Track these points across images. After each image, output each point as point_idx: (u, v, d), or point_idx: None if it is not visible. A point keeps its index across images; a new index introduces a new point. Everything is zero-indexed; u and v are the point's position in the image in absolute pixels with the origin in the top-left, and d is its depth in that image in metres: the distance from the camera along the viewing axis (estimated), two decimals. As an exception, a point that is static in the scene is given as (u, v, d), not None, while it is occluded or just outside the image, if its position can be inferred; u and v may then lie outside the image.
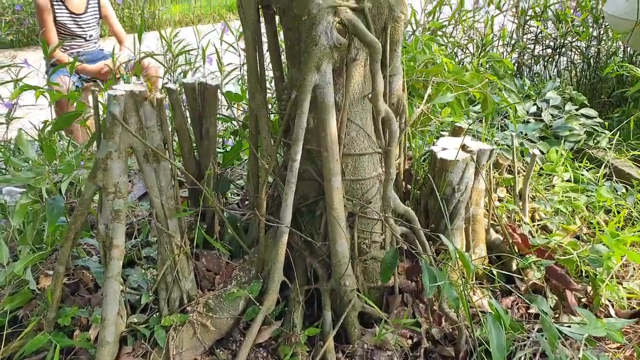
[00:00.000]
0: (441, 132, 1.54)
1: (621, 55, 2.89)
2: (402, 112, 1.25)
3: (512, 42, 2.99)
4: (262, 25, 1.19)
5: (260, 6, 1.14)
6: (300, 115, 1.05)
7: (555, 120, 1.92)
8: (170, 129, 1.20)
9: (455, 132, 1.38)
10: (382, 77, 1.05)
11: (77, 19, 2.83)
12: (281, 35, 1.36)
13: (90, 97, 2.73)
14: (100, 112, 1.18)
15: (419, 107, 1.36)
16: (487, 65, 2.37)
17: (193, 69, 2.84)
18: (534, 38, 3.01)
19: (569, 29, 2.78)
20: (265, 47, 1.23)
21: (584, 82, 2.88)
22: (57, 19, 2.76)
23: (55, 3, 2.75)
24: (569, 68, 2.99)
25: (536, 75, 3.03)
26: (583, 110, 1.96)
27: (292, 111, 1.10)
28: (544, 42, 2.98)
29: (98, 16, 2.93)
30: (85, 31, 2.87)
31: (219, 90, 1.26)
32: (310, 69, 1.02)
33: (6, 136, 2.24)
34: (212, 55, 2.71)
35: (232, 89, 2.06)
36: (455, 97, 1.37)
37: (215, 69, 2.75)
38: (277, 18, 1.22)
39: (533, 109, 2.00)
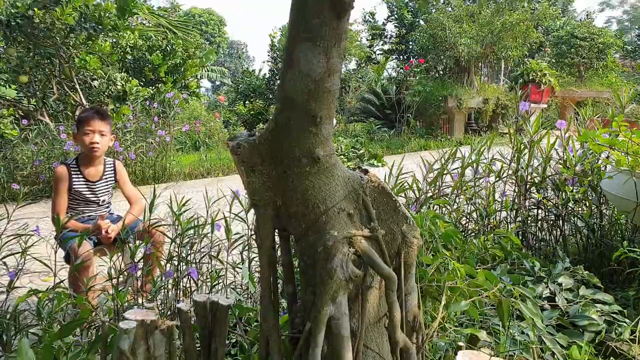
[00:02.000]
0: (458, 344, 1.49)
1: (624, 221, 2.94)
2: (418, 329, 1.21)
3: (515, 208, 3.07)
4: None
5: (276, 229, 1.17)
6: (314, 349, 1.01)
7: (570, 305, 1.87)
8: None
9: (472, 341, 1.33)
10: (398, 307, 1.04)
11: (92, 186, 2.91)
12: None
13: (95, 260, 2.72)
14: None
15: (433, 315, 1.32)
16: (494, 241, 2.40)
17: (200, 238, 2.86)
18: (536, 204, 3.10)
19: (569, 198, 2.86)
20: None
21: (591, 248, 2.88)
22: (74, 187, 2.84)
23: (73, 172, 2.85)
24: (574, 233, 3.02)
25: (542, 241, 3.06)
26: (599, 296, 1.91)
27: (305, 342, 1.06)
28: (546, 207, 3.05)
29: (113, 182, 3.02)
30: (98, 197, 2.94)
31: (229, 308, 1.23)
32: (326, 301, 1.01)
33: (5, 305, 2.18)
34: (220, 220, 2.75)
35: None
36: (471, 302, 1.35)
37: (223, 237, 2.77)
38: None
39: (546, 292, 1.96)
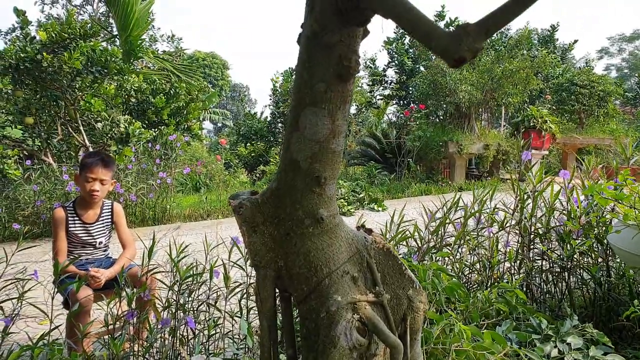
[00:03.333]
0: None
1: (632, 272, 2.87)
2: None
3: (519, 259, 3.01)
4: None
5: (277, 290, 1.13)
6: None
7: (582, 367, 1.78)
8: None
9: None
10: (405, 378, 0.98)
11: (89, 228, 2.88)
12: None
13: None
14: None
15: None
16: (499, 295, 2.33)
17: (198, 285, 2.79)
18: (540, 255, 3.04)
19: (574, 251, 2.81)
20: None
21: (598, 302, 2.81)
22: (69, 229, 2.81)
23: (69, 215, 2.83)
24: (580, 286, 2.95)
25: (547, 294, 2.98)
26: (610, 358, 1.84)
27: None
28: (550, 259, 2.99)
29: (109, 224, 2.98)
30: (95, 239, 2.90)
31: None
32: (328, 372, 0.95)
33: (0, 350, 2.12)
34: (219, 267, 2.69)
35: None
36: (479, 368, 1.28)
37: (222, 285, 2.70)
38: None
39: (554, 352, 1.88)
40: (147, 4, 9.78)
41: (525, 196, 3.08)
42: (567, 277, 2.92)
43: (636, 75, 25.12)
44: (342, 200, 7.94)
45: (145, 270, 2.51)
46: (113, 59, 6.88)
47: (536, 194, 3.02)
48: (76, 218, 2.85)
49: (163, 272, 2.72)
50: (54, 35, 6.38)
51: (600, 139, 11.83)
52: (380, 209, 8.01)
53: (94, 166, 2.80)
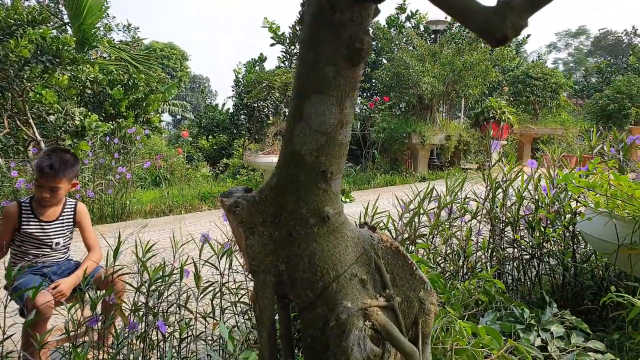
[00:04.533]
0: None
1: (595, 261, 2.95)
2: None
3: (491, 248, 3.04)
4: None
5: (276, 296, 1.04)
6: None
7: (564, 354, 1.80)
8: None
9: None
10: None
11: (45, 227, 2.65)
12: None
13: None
14: None
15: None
16: (477, 285, 2.34)
17: (167, 286, 2.67)
18: (510, 243, 3.08)
19: (547, 238, 2.87)
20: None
21: (565, 287, 2.88)
22: (22, 227, 2.59)
23: (24, 211, 2.62)
24: (549, 273, 3.01)
25: (517, 281, 3.03)
26: (590, 344, 1.86)
27: None
28: (521, 247, 3.04)
29: (71, 224, 2.76)
30: (51, 239, 2.67)
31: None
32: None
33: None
34: (189, 265, 2.57)
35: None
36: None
37: (193, 285, 2.59)
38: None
39: (538, 341, 1.90)
40: (100, -9, 9.34)
41: (496, 185, 3.11)
42: (537, 264, 2.98)
43: (582, 69, 26.27)
44: (309, 192, 7.88)
45: (111, 272, 2.37)
46: (65, 47, 6.52)
47: (507, 183, 3.05)
48: (31, 215, 2.63)
49: (129, 273, 2.57)
50: (-1, 21, 5.98)
51: (553, 129, 12.27)
52: (348, 200, 8.00)
53: (42, 173, 2.56)
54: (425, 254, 2.86)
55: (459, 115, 14.57)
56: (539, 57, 21.15)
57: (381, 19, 14.96)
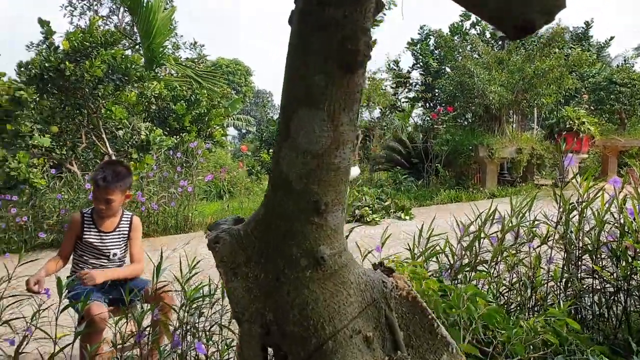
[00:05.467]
0: None
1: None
2: None
3: (565, 278, 2.68)
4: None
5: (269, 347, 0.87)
6: None
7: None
8: None
9: None
10: None
11: (104, 237, 2.77)
12: None
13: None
14: None
15: None
16: (546, 322, 2.03)
17: (211, 305, 2.59)
18: (590, 273, 2.71)
19: (632, 271, 2.48)
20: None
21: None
22: (84, 236, 2.72)
23: (86, 222, 2.75)
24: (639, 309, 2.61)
25: (600, 317, 2.64)
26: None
27: None
28: (602, 279, 2.65)
29: (126, 236, 2.85)
30: (109, 249, 2.78)
31: None
32: None
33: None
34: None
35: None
36: None
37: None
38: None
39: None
40: (168, 12, 9.77)
41: (571, 207, 2.75)
42: (624, 299, 2.57)
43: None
44: (367, 208, 7.65)
45: (155, 288, 2.34)
46: (133, 66, 6.81)
47: (583, 204, 2.68)
48: (92, 225, 2.76)
49: (172, 291, 2.54)
50: (76, 44, 6.38)
51: (644, 140, 11.18)
52: (407, 217, 7.68)
53: (97, 185, 2.70)
54: (485, 282, 2.57)
55: (532, 126, 13.73)
56: (625, 60, 19.49)
57: (444, 26, 14.54)
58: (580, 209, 2.68)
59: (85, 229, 2.74)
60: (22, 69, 6.59)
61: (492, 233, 2.73)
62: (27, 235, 6.07)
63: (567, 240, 2.72)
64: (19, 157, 6.14)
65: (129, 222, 2.87)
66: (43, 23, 6.76)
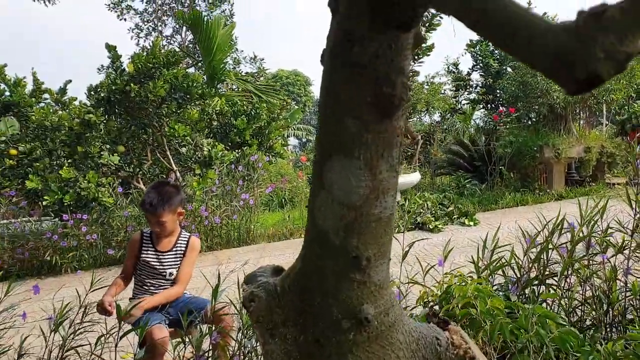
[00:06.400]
0: None
1: None
2: None
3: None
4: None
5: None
6: None
7: None
8: None
9: None
10: None
11: (161, 257, 2.79)
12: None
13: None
14: None
15: None
16: (626, 346, 1.88)
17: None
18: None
19: None
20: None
21: None
22: (142, 256, 2.75)
23: (145, 241, 2.79)
24: None
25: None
26: None
27: None
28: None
29: (182, 256, 2.85)
30: (165, 269, 2.79)
31: None
32: None
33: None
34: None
35: None
36: None
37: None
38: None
39: None
40: (228, 29, 10.08)
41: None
42: None
43: None
44: (429, 215, 7.48)
45: (213, 310, 2.36)
46: (194, 84, 7.07)
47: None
48: (150, 244, 2.79)
49: (229, 314, 2.53)
50: (140, 66, 6.68)
51: None
52: (471, 223, 7.42)
53: (145, 210, 2.73)
54: (557, 299, 2.43)
55: (601, 122, 12.88)
56: None
57: (506, 25, 13.94)
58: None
59: (143, 249, 2.77)
60: (92, 92, 7.00)
61: (562, 244, 2.58)
62: (96, 252, 6.36)
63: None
64: (89, 177, 6.46)
65: (186, 243, 2.87)
66: (110, 48, 7.18)
